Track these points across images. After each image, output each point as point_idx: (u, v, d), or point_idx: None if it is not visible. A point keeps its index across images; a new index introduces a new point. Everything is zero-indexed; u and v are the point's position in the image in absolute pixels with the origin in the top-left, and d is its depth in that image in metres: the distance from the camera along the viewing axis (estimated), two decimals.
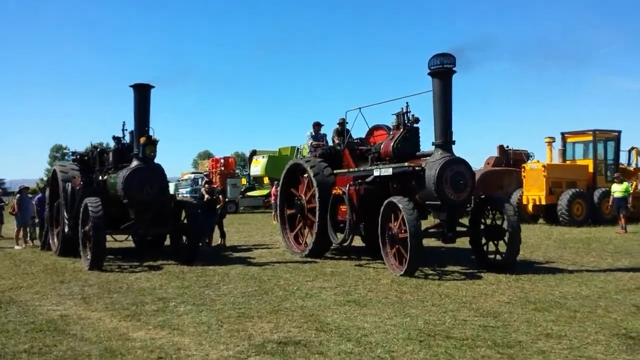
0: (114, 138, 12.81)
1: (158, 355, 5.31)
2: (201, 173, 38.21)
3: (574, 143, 22.39)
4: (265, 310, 7.13)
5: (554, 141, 22.48)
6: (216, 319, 6.63)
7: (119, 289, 8.80)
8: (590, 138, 21.65)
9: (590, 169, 21.44)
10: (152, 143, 11.37)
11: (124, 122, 12.75)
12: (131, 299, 7.96)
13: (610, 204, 18.63)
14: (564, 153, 22.07)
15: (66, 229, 12.36)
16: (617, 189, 17.93)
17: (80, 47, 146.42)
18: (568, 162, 22.03)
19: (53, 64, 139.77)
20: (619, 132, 22.01)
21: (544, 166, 21.01)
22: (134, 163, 11.55)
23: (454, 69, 10.03)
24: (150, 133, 11.53)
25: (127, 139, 12.69)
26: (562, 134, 22.43)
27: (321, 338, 5.81)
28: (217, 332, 6.10)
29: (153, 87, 11.69)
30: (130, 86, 11.63)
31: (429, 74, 10.17)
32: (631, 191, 18.11)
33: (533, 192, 20.92)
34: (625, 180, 18.86)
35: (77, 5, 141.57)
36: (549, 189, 20.59)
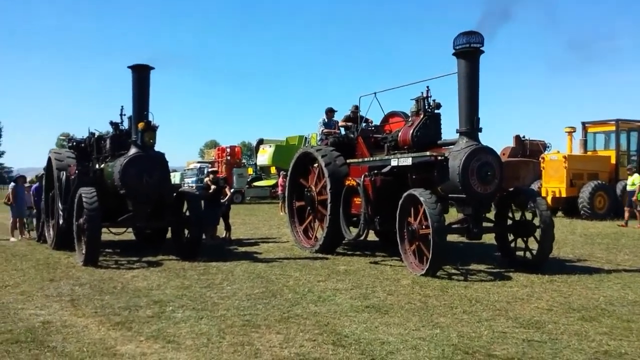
0: (112, 124, 11.94)
1: None
2: (206, 162, 37.41)
3: (595, 133, 21.45)
4: (274, 317, 6.29)
5: (574, 131, 21.53)
6: (218, 329, 5.80)
7: (113, 289, 7.98)
8: (613, 128, 20.67)
9: (613, 160, 20.49)
10: (152, 129, 10.51)
11: (122, 106, 11.91)
12: (124, 301, 7.14)
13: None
14: (585, 143, 21.10)
15: (60, 221, 11.57)
16: (629, 181, 17.33)
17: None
18: (589, 153, 21.07)
19: (62, 45, 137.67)
20: None
21: (564, 157, 20.05)
22: (132, 151, 10.70)
23: (481, 48, 9.12)
24: (150, 118, 10.67)
25: (126, 124, 11.84)
26: (583, 123, 21.46)
27: (340, 356, 4.96)
28: (218, 346, 5.26)
29: (153, 68, 10.83)
30: (129, 67, 10.76)
31: (454, 54, 9.25)
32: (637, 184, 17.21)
33: (553, 184, 19.98)
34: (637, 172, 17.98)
35: None
36: (570, 180, 19.66)
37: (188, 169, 37.69)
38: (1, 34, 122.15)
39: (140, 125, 10.43)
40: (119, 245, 12.83)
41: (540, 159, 21.29)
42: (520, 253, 9.59)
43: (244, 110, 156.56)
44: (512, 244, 9.77)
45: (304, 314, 6.44)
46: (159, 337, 5.52)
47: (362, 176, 10.34)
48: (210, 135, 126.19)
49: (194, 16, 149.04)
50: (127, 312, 6.58)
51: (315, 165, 11.91)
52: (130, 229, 13.29)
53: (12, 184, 15.19)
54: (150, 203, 10.63)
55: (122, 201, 10.88)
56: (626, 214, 17.20)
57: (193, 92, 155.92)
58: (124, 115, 11.91)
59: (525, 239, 9.53)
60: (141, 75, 10.77)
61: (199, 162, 40.08)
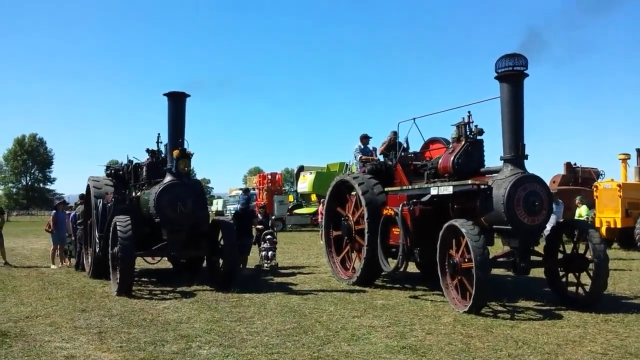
0: (148, 151, 11.98)
1: None
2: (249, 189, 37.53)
3: None
4: (302, 356, 5.90)
5: (629, 158, 20.46)
6: None
7: (142, 321, 7.77)
8: None
9: None
10: (186, 157, 10.41)
11: (158, 134, 11.93)
12: (151, 335, 6.90)
13: None
14: None
15: (97, 249, 11.56)
16: None
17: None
18: None
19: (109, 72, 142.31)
20: None
21: (619, 185, 19.05)
22: (167, 178, 10.62)
23: (525, 71, 8.68)
24: (185, 146, 10.59)
25: (163, 152, 11.83)
26: (638, 150, 20.40)
27: None
28: None
29: (189, 95, 10.80)
30: (164, 94, 10.77)
31: (496, 77, 8.84)
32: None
33: (607, 213, 18.98)
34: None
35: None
36: (625, 210, 18.63)
37: (230, 196, 37.93)
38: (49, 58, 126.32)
39: (175, 152, 10.35)
40: (155, 274, 12.74)
41: (593, 187, 20.32)
42: (572, 289, 8.92)
43: (288, 137, 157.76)
44: (563, 280, 9.11)
45: (335, 354, 6.03)
46: None
47: (401, 205, 9.92)
48: (254, 163, 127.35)
49: (235, 41, 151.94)
50: (152, 347, 6.33)
51: (353, 193, 11.56)
52: (166, 258, 13.17)
53: (54, 211, 15.39)
54: (184, 232, 10.48)
55: (157, 230, 10.78)
56: None
57: (238, 119, 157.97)
58: (161, 142, 11.92)
59: (577, 274, 8.86)
60: (177, 102, 10.75)
61: (240, 189, 40.29)
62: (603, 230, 19.00)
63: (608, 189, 19.32)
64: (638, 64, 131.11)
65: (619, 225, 18.72)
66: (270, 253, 13.57)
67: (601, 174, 23.30)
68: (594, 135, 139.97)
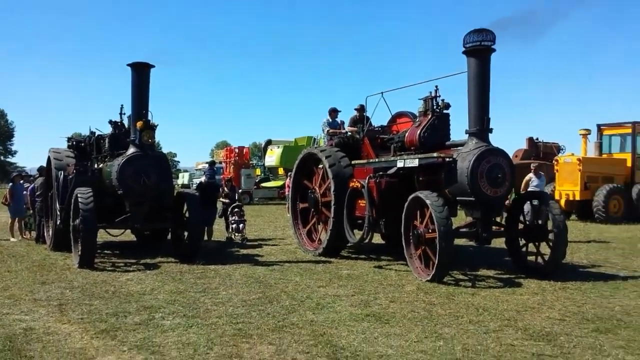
0: (111, 122, 11.67)
1: None
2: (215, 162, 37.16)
3: (610, 136, 20.84)
4: (268, 326, 5.92)
5: (589, 133, 20.94)
6: (206, 338, 5.44)
7: (104, 293, 7.66)
8: (629, 131, 20.05)
9: (629, 164, 19.89)
10: (150, 128, 10.19)
11: (122, 105, 11.64)
12: (113, 307, 6.81)
13: None
14: (600, 146, 20.53)
15: (58, 222, 11.30)
16: None
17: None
18: (604, 156, 20.50)
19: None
20: None
21: (579, 160, 19.52)
22: (131, 150, 10.40)
23: (493, 46, 8.72)
24: (149, 117, 10.36)
25: (127, 124, 11.55)
26: (599, 125, 20.88)
27: None
28: (204, 357, 4.91)
29: (153, 66, 10.50)
30: (128, 65, 10.47)
31: (464, 52, 8.88)
32: None
33: (566, 186, 19.45)
34: None
35: None
36: (584, 183, 19.13)
37: (197, 170, 37.51)
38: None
39: (139, 124, 10.12)
40: (119, 247, 12.55)
41: (553, 161, 20.77)
42: (532, 258, 9.17)
43: (256, 111, 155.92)
44: (524, 249, 9.35)
45: (300, 322, 6.07)
46: (143, 347, 5.18)
47: (367, 178, 9.98)
48: (222, 136, 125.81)
49: (203, 14, 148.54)
50: (114, 319, 6.25)
51: (320, 166, 11.55)
52: (128, 231, 12.99)
53: (10, 183, 14.93)
54: (147, 204, 10.32)
55: (120, 202, 10.59)
56: None
57: (205, 93, 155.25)
58: (124, 114, 11.64)
59: (537, 243, 9.12)
60: (140, 73, 10.47)
61: (207, 163, 39.88)
62: (562, 202, 19.48)
63: (568, 163, 19.77)
64: (598, 42, 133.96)
65: (577, 198, 19.22)
66: (241, 225, 13.56)
67: (562, 149, 23.79)
68: (557, 112, 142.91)
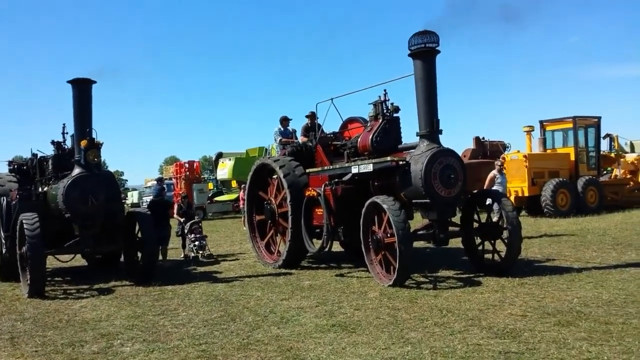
0: (53, 143, 11.22)
1: None
2: (165, 179, 36.38)
3: (553, 131, 21.55)
4: (232, 345, 5.76)
5: (532, 130, 21.62)
6: None
7: (58, 322, 7.30)
8: (570, 125, 20.79)
9: (572, 157, 20.62)
10: (95, 146, 9.84)
11: (64, 124, 11.20)
12: (69, 336, 6.50)
13: None
14: (544, 142, 21.21)
15: (4, 250, 10.76)
16: None
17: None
18: (549, 151, 21.19)
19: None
20: (599, 118, 21.24)
21: (525, 156, 20.07)
22: (76, 171, 9.99)
23: (437, 48, 8.86)
24: (93, 135, 10.01)
25: (69, 143, 11.13)
26: (541, 122, 21.53)
27: None
28: None
29: (94, 82, 10.17)
30: (68, 82, 10.10)
31: (409, 55, 8.98)
32: None
33: (515, 183, 19.95)
34: None
35: None
36: (532, 179, 19.70)
37: (146, 187, 36.63)
38: None
39: (83, 143, 9.75)
40: (70, 273, 12.03)
41: (500, 159, 21.29)
42: (489, 256, 9.32)
43: (204, 124, 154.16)
44: (480, 248, 9.50)
45: (265, 338, 5.94)
46: None
47: (323, 186, 9.94)
48: (170, 152, 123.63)
49: (146, 27, 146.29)
50: (70, 349, 5.96)
51: (274, 176, 11.44)
52: (79, 255, 12.48)
53: None
54: (97, 226, 9.93)
55: (68, 225, 10.16)
56: None
57: (151, 107, 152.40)
58: (67, 133, 11.21)
59: (492, 241, 9.27)
60: (82, 89, 10.11)
61: (156, 180, 39.02)
62: (512, 199, 20.01)
63: (515, 160, 20.30)
64: (538, 40, 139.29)
65: (526, 194, 19.74)
66: (203, 242, 13.25)
67: (507, 146, 24.40)
68: (499, 110, 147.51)
